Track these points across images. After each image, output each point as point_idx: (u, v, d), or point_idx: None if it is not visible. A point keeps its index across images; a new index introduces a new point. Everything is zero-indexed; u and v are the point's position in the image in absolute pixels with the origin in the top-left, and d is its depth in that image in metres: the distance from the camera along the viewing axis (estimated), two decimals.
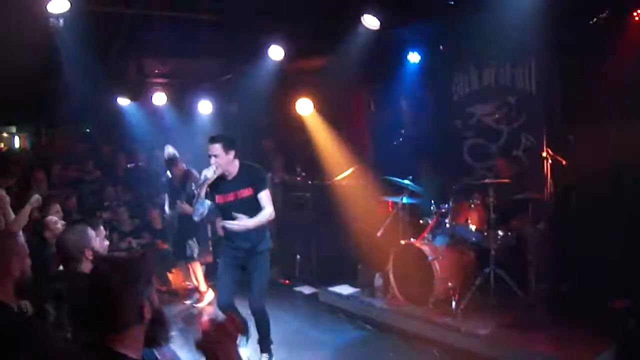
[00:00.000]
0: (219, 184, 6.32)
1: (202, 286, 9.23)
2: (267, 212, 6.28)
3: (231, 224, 6.20)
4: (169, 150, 8.89)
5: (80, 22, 7.17)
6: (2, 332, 3.36)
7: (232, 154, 6.23)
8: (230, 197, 6.31)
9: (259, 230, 6.36)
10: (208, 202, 6.35)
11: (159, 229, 11.02)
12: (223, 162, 6.19)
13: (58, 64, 8.01)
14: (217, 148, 6.17)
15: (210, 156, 6.22)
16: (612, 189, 6.98)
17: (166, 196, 9.54)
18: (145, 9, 7.88)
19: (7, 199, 5.70)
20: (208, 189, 6.30)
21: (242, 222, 6.18)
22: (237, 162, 6.33)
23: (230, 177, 6.32)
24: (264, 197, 6.30)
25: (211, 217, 8.24)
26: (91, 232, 4.50)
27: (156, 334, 2.82)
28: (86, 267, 4.28)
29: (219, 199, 6.35)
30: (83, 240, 4.40)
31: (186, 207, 8.53)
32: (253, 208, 6.27)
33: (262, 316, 6.57)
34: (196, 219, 6.61)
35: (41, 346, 3.31)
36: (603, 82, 7.25)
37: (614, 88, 7.15)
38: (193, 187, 7.08)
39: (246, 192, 6.28)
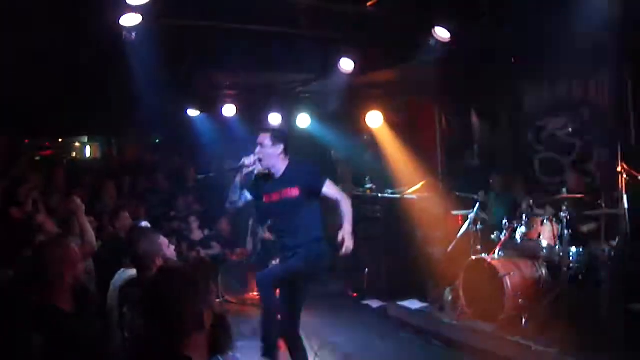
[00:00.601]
0: (267, 182, 5.94)
1: None
2: (344, 203, 5.82)
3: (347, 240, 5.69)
4: None
5: (152, 34, 7.32)
6: (56, 334, 3.46)
7: (279, 148, 5.82)
8: (275, 196, 5.86)
9: (306, 227, 5.82)
10: (247, 194, 6.02)
11: (228, 239, 11.16)
12: (267, 153, 5.80)
13: (129, 75, 8.19)
14: (264, 137, 5.80)
15: (257, 145, 5.86)
16: None
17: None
18: (216, 22, 8.01)
19: (83, 207, 5.85)
20: (253, 183, 5.99)
21: (346, 232, 5.71)
22: (286, 160, 5.90)
23: (277, 176, 5.89)
24: (329, 188, 5.81)
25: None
26: (163, 240, 4.58)
27: (219, 341, 2.87)
28: None
29: (265, 198, 5.95)
30: (153, 248, 4.48)
31: (267, 235, 8.46)
32: (298, 212, 5.79)
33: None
34: (228, 205, 6.27)
35: (94, 347, 3.41)
36: None
37: None
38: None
39: (292, 192, 5.78)
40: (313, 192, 5.78)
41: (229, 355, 3.10)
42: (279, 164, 5.87)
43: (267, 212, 6.23)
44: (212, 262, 9.17)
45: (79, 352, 3.41)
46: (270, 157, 5.82)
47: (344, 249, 5.71)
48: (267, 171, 5.93)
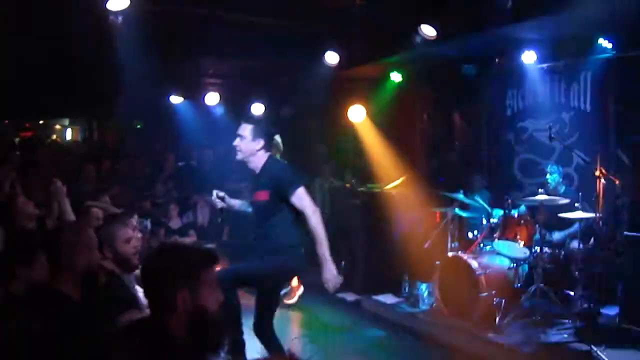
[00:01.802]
0: (253, 180, 5.75)
1: (294, 280, 9.00)
2: (313, 218, 5.38)
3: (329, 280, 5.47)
4: None
5: (139, 20, 7.29)
6: (60, 321, 3.44)
7: (259, 143, 5.58)
8: (254, 196, 5.70)
9: (277, 234, 5.56)
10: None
11: (205, 227, 11.14)
12: (246, 147, 5.58)
13: (114, 59, 8.13)
14: (245, 128, 5.59)
15: (237, 135, 5.64)
16: None
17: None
18: (204, 9, 8.00)
19: (64, 189, 5.81)
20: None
21: (326, 263, 5.44)
22: (264, 156, 5.65)
23: (256, 172, 5.67)
24: (298, 199, 5.42)
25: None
26: (118, 233, 4.48)
27: (203, 337, 2.82)
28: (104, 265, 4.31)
29: (253, 197, 5.74)
30: (107, 237, 4.42)
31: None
32: (268, 218, 5.56)
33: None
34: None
35: (94, 334, 3.39)
36: None
37: None
38: None
39: (262, 196, 5.55)
40: (282, 199, 5.47)
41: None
42: (257, 160, 5.66)
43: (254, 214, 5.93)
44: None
45: (80, 342, 3.37)
46: (249, 150, 5.61)
47: (329, 287, 5.54)
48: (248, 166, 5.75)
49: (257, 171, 5.67)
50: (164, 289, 2.74)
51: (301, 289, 9.10)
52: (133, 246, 4.48)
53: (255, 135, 5.59)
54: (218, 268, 3.24)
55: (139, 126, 14.62)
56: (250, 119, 5.89)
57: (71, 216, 5.52)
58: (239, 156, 5.66)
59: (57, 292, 3.64)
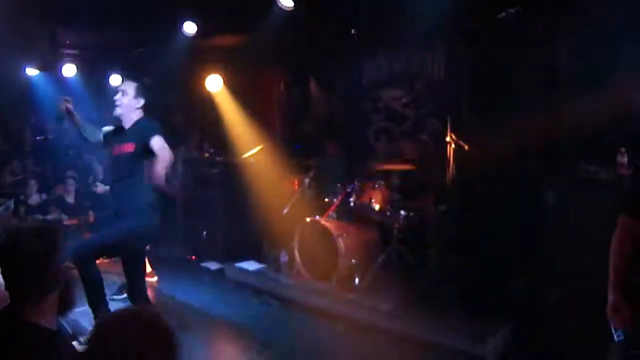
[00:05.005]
0: (117, 135, 5.74)
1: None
2: (166, 156, 5.30)
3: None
4: None
5: None
6: None
7: (140, 102, 5.71)
8: (116, 150, 5.67)
9: (136, 190, 5.54)
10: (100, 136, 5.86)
11: (70, 204, 10.82)
12: (127, 103, 5.67)
13: None
14: (129, 85, 5.72)
15: (117, 92, 5.72)
16: (512, 175, 7.32)
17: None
18: None
19: None
20: (108, 133, 5.83)
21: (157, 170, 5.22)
22: (139, 116, 5.72)
23: (126, 128, 5.72)
24: (156, 141, 5.38)
25: None
26: None
27: (65, 299, 2.85)
28: None
29: (113, 151, 5.71)
30: None
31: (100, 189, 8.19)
32: (130, 171, 5.54)
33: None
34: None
35: None
36: (509, 72, 7.66)
37: (519, 78, 7.56)
38: None
39: (128, 148, 5.56)
40: (145, 147, 5.44)
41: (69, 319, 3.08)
42: (133, 117, 5.70)
43: (111, 168, 5.92)
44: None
45: None
46: (129, 107, 5.67)
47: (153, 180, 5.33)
48: (119, 123, 5.75)
49: (127, 127, 5.69)
50: (50, 269, 2.73)
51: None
52: None
53: (138, 94, 5.70)
54: None
55: None
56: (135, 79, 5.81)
57: None
58: (118, 111, 5.67)
59: None
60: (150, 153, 5.43)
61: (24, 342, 2.60)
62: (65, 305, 2.86)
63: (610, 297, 3.46)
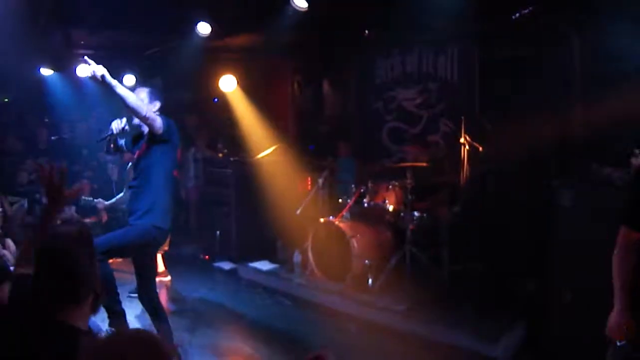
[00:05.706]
0: (138, 141, 5.79)
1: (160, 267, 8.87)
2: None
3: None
4: None
5: None
6: None
7: (156, 105, 5.67)
8: (137, 154, 5.71)
9: (147, 191, 5.57)
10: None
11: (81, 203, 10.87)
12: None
13: None
14: (142, 91, 5.67)
15: None
16: (525, 175, 7.30)
17: None
18: None
19: None
20: (131, 140, 5.84)
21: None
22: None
23: (145, 133, 5.68)
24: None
25: None
26: None
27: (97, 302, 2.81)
28: None
29: (134, 154, 5.76)
30: None
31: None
32: (146, 167, 5.59)
33: None
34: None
35: None
36: (523, 72, 7.64)
37: (532, 80, 7.55)
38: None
39: (143, 147, 5.63)
40: (152, 135, 5.49)
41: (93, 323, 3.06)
42: None
43: (133, 170, 5.91)
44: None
45: None
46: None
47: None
48: (139, 129, 5.75)
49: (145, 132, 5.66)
50: (92, 273, 2.74)
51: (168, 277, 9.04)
52: None
53: (152, 98, 5.66)
54: None
55: (7, 100, 13.91)
56: (145, 85, 5.83)
57: None
58: (136, 120, 5.61)
59: None
60: (157, 143, 5.53)
61: (71, 350, 2.41)
62: (98, 305, 2.84)
63: (616, 308, 3.44)
